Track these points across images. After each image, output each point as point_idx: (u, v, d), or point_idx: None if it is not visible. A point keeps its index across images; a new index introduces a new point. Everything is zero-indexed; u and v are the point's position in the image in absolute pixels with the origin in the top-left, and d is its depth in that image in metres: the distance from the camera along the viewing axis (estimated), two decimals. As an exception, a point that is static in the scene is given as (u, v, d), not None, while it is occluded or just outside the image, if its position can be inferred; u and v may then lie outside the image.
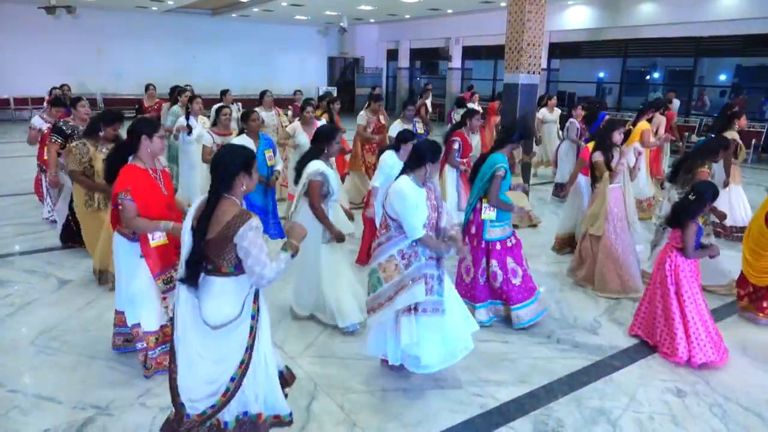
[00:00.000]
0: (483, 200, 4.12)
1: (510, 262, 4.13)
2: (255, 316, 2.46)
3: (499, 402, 3.24)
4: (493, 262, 4.11)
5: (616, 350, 3.88)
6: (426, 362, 3.19)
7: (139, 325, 3.29)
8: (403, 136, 4.61)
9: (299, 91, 9.81)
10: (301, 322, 4.18)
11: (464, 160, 5.73)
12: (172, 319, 2.63)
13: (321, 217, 3.86)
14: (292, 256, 2.40)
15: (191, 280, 2.35)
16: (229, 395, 2.43)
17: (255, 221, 2.31)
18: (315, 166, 3.85)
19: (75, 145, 4.50)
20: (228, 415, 2.49)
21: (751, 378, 3.58)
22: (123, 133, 3.81)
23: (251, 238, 2.29)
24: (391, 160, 4.59)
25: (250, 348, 2.44)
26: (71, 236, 5.46)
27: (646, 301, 3.96)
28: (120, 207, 3.11)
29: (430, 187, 3.29)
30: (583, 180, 5.47)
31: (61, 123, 5.34)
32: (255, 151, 4.47)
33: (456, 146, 5.64)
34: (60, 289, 4.69)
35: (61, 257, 5.38)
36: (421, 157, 3.13)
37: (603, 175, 4.77)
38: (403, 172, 3.25)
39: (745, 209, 6.29)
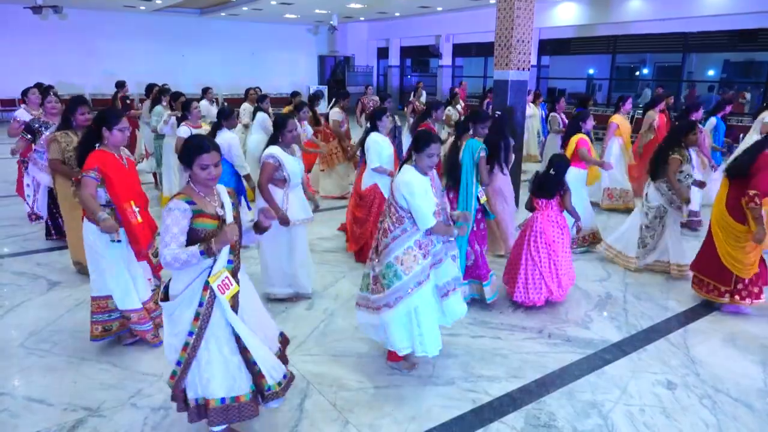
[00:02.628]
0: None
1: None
2: (203, 304, 2.48)
3: (492, 397, 3.25)
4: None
5: (607, 344, 3.91)
6: (435, 341, 3.34)
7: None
8: (376, 112, 5.13)
9: (298, 92, 9.90)
10: (292, 320, 4.18)
11: None
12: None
13: (266, 197, 4.04)
14: (202, 253, 2.39)
15: None
16: (176, 379, 2.58)
17: (172, 203, 2.44)
18: (269, 150, 4.07)
19: (60, 134, 4.51)
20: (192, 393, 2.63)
21: (740, 369, 3.61)
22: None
23: (164, 216, 2.45)
24: (378, 138, 5.04)
25: (195, 335, 2.50)
26: (56, 230, 5.66)
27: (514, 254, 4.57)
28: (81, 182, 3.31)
29: (432, 176, 3.33)
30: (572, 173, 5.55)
31: (33, 120, 5.53)
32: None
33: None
34: (49, 291, 4.65)
35: (50, 259, 5.34)
36: (422, 147, 3.16)
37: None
38: (403, 162, 3.31)
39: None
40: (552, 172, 4.33)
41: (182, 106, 6.37)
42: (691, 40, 13.67)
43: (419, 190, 3.11)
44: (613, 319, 4.32)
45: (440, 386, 3.36)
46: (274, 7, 16.11)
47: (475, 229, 4.40)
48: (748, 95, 13.44)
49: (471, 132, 4.57)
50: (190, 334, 2.50)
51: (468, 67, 20.61)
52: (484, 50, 18.21)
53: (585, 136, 5.71)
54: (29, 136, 5.42)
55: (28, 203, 5.99)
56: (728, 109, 7.35)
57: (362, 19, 20.34)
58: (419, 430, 2.95)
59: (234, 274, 2.58)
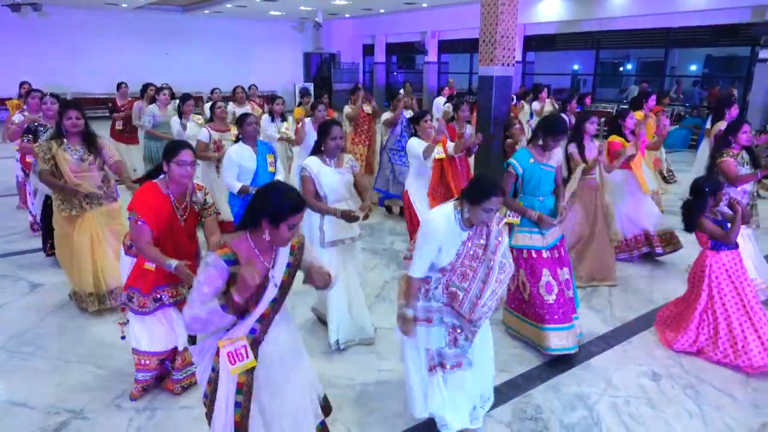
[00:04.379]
0: None
1: (546, 275, 3.61)
2: (215, 369, 2.21)
3: (479, 391, 3.26)
4: (521, 272, 3.66)
5: (593, 336, 3.94)
6: (451, 424, 2.77)
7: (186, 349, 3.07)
8: (416, 116, 4.78)
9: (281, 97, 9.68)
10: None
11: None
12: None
13: (315, 206, 3.47)
14: (224, 307, 2.03)
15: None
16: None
17: (211, 257, 2.08)
18: (303, 161, 3.60)
19: (38, 145, 4.17)
20: None
21: (723, 359, 3.66)
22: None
23: (198, 271, 2.12)
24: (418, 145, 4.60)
25: (209, 397, 2.26)
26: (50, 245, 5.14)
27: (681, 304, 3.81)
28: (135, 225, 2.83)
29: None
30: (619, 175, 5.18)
31: (31, 123, 5.20)
32: (255, 158, 4.27)
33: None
34: (31, 293, 4.58)
35: (32, 260, 5.25)
36: (479, 198, 2.52)
37: (576, 168, 4.66)
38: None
39: None
40: (690, 196, 3.56)
41: (210, 108, 6.02)
42: (674, 36, 13.79)
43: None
44: (599, 311, 4.35)
45: (427, 382, 3.35)
46: (258, 4, 15.99)
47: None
48: (735, 91, 13.58)
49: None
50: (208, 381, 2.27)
51: (454, 64, 20.63)
52: (470, 46, 18.23)
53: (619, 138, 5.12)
54: (30, 137, 4.97)
55: (32, 212, 5.81)
56: (735, 112, 6.45)
57: (347, 15, 20.26)
58: (407, 426, 2.95)
59: (255, 344, 2.20)
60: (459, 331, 2.68)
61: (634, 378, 3.43)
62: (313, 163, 3.53)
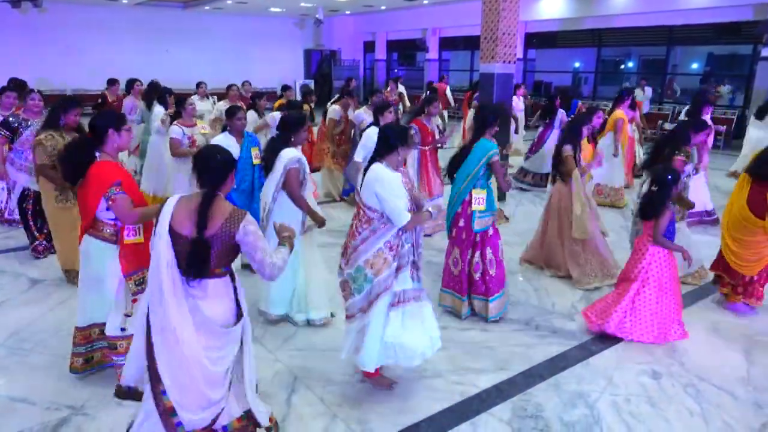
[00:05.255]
0: (474, 191, 3.98)
1: (489, 253, 4.07)
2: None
3: (480, 389, 3.27)
4: (477, 254, 4.05)
5: (593, 335, 3.93)
6: (414, 348, 3.06)
7: (124, 330, 3.03)
8: (380, 106, 4.80)
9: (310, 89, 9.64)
10: (281, 315, 4.15)
11: (426, 147, 5.85)
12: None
13: (304, 205, 3.78)
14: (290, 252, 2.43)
15: (200, 275, 2.24)
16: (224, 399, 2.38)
17: (249, 215, 2.29)
18: (291, 153, 3.72)
19: (44, 136, 4.26)
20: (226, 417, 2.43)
21: (723, 358, 3.66)
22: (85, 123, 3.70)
23: (254, 231, 2.27)
24: (374, 134, 4.43)
25: (241, 344, 2.43)
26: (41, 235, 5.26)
27: (617, 293, 3.92)
28: (111, 202, 2.91)
29: (403, 171, 3.19)
30: None
31: (11, 116, 5.17)
32: (239, 150, 4.47)
33: (412, 132, 5.70)
34: (31, 289, 4.58)
35: (32, 257, 5.24)
36: (390, 143, 3.03)
37: (574, 174, 4.61)
38: (372, 161, 3.10)
39: (707, 194, 6.30)
40: (654, 188, 3.75)
41: (175, 102, 5.92)
42: (676, 34, 13.77)
43: (392, 184, 2.97)
44: (599, 310, 4.35)
45: (428, 379, 3.36)
46: (258, 1, 15.96)
47: (454, 236, 4.12)
48: (724, 88, 13.52)
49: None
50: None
51: (455, 61, 20.59)
52: (471, 44, 18.20)
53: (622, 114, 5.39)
54: (6, 132, 5.04)
55: (7, 204, 5.83)
56: (709, 110, 6.87)
57: (348, 12, 20.23)
58: (407, 423, 2.95)
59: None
60: (416, 265, 3.17)
61: (635, 376, 3.43)
62: (301, 155, 3.83)
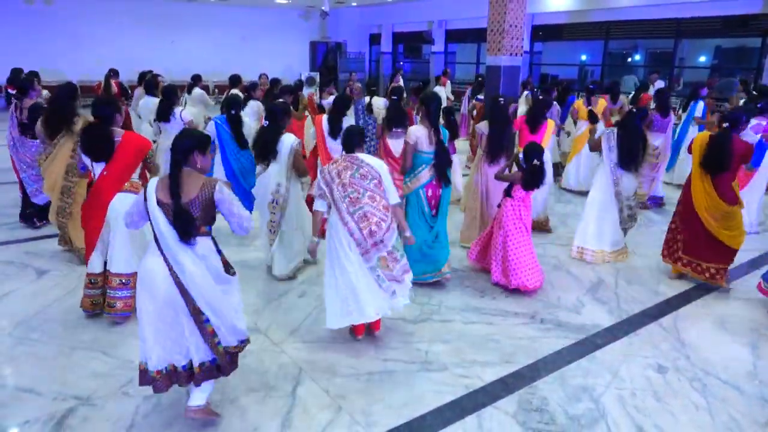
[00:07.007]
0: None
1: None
2: None
3: (485, 382, 3.27)
4: None
5: (598, 329, 3.93)
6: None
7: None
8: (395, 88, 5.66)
9: (264, 74, 9.65)
10: (285, 307, 4.16)
11: None
12: None
13: (312, 177, 4.56)
14: None
15: (191, 233, 2.59)
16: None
17: (220, 182, 2.67)
18: (291, 138, 4.35)
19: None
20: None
21: (729, 352, 3.65)
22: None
23: (226, 191, 2.67)
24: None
25: None
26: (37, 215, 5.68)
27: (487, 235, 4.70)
28: (150, 163, 3.86)
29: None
30: None
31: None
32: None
33: None
34: (38, 280, 4.60)
35: (39, 248, 5.27)
36: (350, 143, 3.51)
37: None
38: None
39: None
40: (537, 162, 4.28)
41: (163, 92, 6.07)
42: (683, 26, 13.63)
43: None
44: (605, 303, 4.34)
45: (433, 372, 3.36)
46: (264, -8, 15.89)
47: None
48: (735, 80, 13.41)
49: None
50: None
51: (461, 53, 20.44)
52: (478, 36, 18.08)
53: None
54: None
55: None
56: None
57: (354, 4, 20.11)
58: (412, 416, 2.95)
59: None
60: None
61: (640, 370, 3.42)
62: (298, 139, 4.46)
